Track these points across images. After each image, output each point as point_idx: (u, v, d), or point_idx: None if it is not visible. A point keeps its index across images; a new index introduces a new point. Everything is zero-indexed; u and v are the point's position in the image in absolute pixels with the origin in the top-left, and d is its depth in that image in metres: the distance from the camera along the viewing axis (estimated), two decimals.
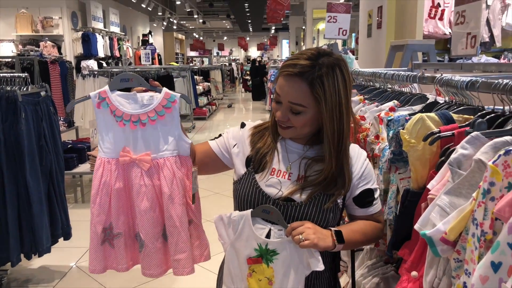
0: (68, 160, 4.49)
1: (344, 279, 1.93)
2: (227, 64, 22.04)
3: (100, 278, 3.05)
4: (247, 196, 1.26)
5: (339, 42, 8.37)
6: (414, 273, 1.10)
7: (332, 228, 1.21)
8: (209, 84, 13.21)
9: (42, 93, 2.87)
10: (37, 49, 8.94)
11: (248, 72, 21.27)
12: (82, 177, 5.11)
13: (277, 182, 1.25)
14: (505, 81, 0.99)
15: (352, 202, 1.28)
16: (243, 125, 1.40)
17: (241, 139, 1.36)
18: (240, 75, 24.97)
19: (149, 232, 1.35)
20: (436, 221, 0.89)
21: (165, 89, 1.33)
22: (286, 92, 1.16)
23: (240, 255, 1.25)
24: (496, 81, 1.02)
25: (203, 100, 11.73)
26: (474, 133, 0.90)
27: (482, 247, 0.75)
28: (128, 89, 1.36)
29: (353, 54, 5.81)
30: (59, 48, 10.36)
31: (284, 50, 23.76)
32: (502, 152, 0.75)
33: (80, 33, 10.68)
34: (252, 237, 1.22)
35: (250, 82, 17.27)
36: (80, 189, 5.03)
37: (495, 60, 4.11)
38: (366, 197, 1.27)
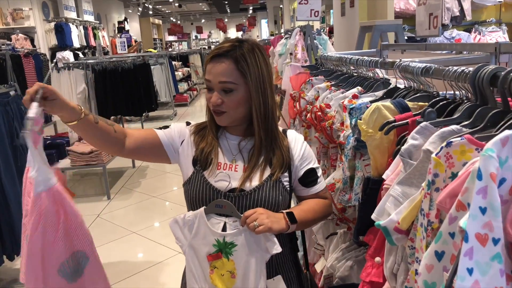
0: (47, 157, 4.43)
1: (321, 263, 1.97)
2: (206, 47, 21.76)
3: None
4: (199, 194, 1.28)
5: (316, 22, 8.27)
6: (377, 259, 1.13)
7: (284, 211, 1.26)
8: (188, 69, 13.07)
9: (12, 93, 2.83)
10: (9, 42, 8.71)
11: None
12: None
13: (225, 175, 1.29)
14: (455, 68, 1.01)
15: (298, 183, 1.35)
16: (188, 123, 1.41)
17: (187, 137, 1.37)
18: None
19: None
20: (390, 210, 0.92)
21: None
22: (215, 74, 1.24)
23: (200, 254, 1.25)
24: (447, 68, 1.04)
25: (183, 86, 11.64)
26: (423, 123, 0.92)
27: (429, 236, 0.78)
28: None
29: (332, 32, 5.77)
30: (32, 41, 10.09)
31: (264, 30, 23.49)
32: (444, 144, 0.77)
33: (52, 24, 10.40)
34: (209, 233, 1.23)
35: None
36: None
37: (466, 34, 4.14)
38: (309, 177, 1.35)
